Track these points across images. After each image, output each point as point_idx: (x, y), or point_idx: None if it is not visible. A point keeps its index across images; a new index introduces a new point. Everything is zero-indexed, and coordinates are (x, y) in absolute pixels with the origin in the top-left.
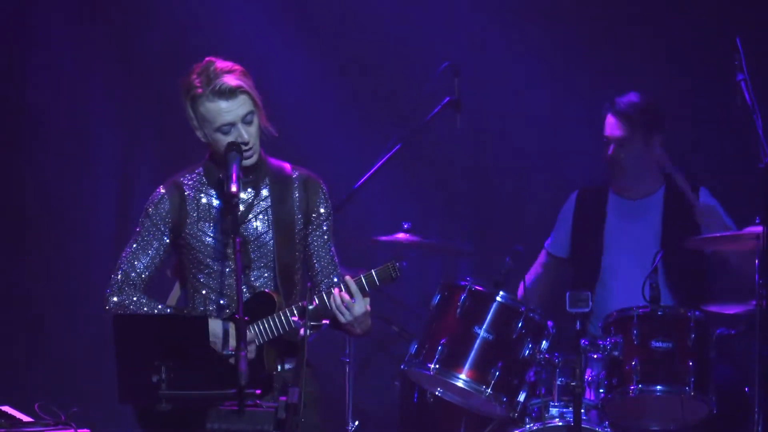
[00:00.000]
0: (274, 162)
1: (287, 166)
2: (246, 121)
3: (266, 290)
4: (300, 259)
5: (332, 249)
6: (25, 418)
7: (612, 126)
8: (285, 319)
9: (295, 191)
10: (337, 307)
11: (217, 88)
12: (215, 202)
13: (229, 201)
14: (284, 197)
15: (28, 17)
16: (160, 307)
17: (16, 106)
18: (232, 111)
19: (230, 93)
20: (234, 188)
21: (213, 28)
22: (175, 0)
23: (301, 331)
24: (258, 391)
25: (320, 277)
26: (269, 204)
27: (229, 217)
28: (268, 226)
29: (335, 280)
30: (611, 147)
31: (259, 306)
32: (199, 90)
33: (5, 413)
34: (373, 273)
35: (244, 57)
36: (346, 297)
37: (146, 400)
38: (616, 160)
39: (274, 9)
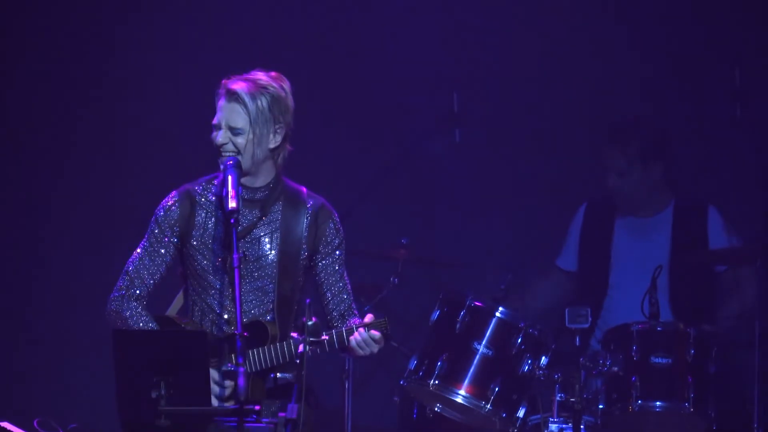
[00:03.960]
0: (291, 185)
1: (304, 190)
2: (234, 132)
3: (262, 320)
4: (299, 289)
5: (345, 278)
6: None
7: (610, 156)
8: (276, 352)
9: (305, 219)
10: (358, 344)
11: (224, 84)
12: (222, 218)
13: (227, 217)
14: (294, 224)
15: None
16: (151, 325)
17: (20, 110)
18: (223, 111)
19: (227, 95)
20: (233, 204)
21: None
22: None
23: (300, 347)
24: (257, 407)
25: (331, 306)
26: (278, 227)
27: (230, 232)
28: (273, 250)
29: (348, 307)
30: (611, 176)
31: (252, 335)
32: (223, 80)
33: (4, 429)
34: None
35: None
36: (366, 336)
37: (146, 415)
38: (616, 189)
39: (274, 20)
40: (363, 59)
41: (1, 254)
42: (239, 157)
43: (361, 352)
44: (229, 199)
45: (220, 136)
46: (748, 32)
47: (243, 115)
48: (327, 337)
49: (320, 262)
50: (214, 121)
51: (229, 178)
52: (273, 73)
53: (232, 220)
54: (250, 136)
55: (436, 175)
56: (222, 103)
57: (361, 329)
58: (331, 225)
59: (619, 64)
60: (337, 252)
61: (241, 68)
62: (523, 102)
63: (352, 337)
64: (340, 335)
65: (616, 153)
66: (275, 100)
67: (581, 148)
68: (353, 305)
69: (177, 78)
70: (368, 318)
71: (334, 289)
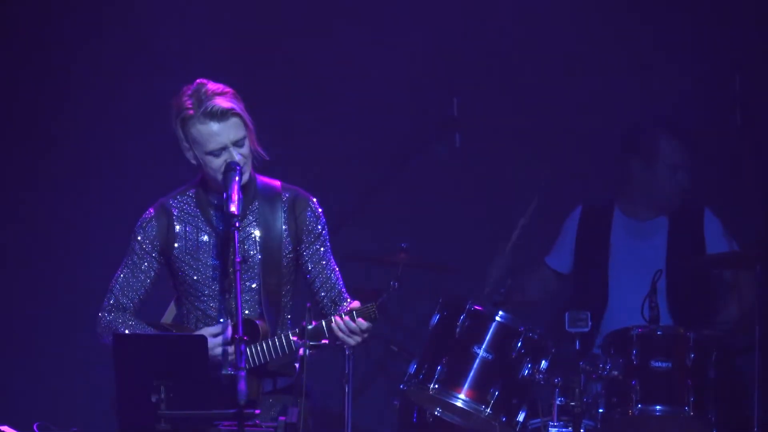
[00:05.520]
0: (264, 180)
1: (277, 184)
2: (238, 144)
3: (251, 318)
4: (290, 281)
5: (332, 263)
6: None
7: (673, 149)
8: (269, 347)
9: (283, 212)
10: (344, 334)
11: (209, 109)
12: (204, 226)
13: (228, 221)
14: (272, 219)
15: (50, 23)
16: (139, 327)
17: (21, 115)
18: (223, 134)
19: (222, 115)
20: (233, 208)
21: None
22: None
23: (301, 351)
24: (257, 411)
25: (322, 294)
26: (256, 226)
27: (230, 237)
28: (255, 248)
29: (339, 292)
30: (661, 169)
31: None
32: (191, 111)
33: None
34: (354, 313)
35: (250, 72)
36: (352, 325)
37: (146, 420)
38: (663, 179)
39: (274, 21)
40: (363, 63)
41: (2, 257)
42: (246, 165)
43: (351, 342)
44: (231, 204)
45: (237, 155)
46: (748, 38)
47: (241, 125)
48: (328, 341)
49: (305, 251)
50: (214, 147)
51: (233, 183)
52: (205, 80)
53: (233, 225)
54: (248, 140)
55: (436, 179)
56: (216, 126)
57: (346, 318)
58: (309, 213)
59: (619, 69)
60: (321, 238)
61: (243, 69)
62: (524, 107)
63: (333, 325)
64: (329, 325)
65: (680, 146)
66: (241, 102)
67: (582, 153)
68: (344, 290)
69: (175, 83)
70: (355, 304)
71: (323, 276)
